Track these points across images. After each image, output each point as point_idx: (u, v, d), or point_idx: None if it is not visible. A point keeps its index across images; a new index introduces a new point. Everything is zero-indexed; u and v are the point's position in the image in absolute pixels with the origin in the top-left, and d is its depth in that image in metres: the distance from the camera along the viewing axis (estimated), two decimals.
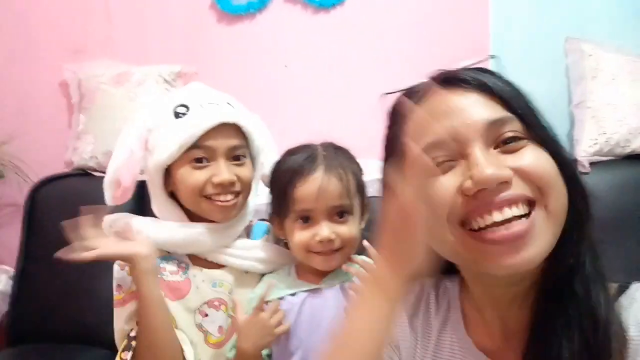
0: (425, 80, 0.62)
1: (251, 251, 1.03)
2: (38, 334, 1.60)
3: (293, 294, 0.95)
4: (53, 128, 1.84)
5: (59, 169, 1.77)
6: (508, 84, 0.59)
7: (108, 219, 1.06)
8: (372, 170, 1.40)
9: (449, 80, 0.59)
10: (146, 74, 1.71)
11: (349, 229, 0.93)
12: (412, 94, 0.61)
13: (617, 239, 1.38)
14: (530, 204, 0.53)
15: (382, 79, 1.75)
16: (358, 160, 0.99)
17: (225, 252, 1.02)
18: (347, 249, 0.94)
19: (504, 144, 0.55)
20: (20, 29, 1.87)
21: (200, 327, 0.99)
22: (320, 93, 1.79)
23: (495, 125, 0.55)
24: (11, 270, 1.69)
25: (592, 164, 1.51)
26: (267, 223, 1.07)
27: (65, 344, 1.54)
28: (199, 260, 1.03)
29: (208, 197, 0.98)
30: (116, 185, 1.02)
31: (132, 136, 1.02)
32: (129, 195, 1.04)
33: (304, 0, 1.77)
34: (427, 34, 1.73)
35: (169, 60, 1.77)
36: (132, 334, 0.96)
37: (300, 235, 0.92)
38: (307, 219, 0.92)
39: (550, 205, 0.53)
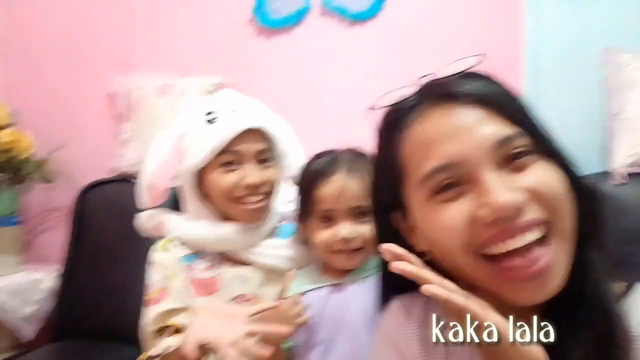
0: (417, 91, 0.59)
1: (278, 250, 1.07)
2: (81, 330, 1.67)
3: (316, 290, 0.97)
4: (100, 136, 1.93)
5: (104, 175, 1.85)
6: (506, 92, 0.57)
7: (145, 214, 1.13)
8: None
9: (447, 94, 0.56)
10: (188, 85, 1.78)
11: (369, 229, 0.94)
12: (405, 109, 0.58)
13: None
14: (546, 228, 0.52)
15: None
16: None
17: (254, 251, 1.06)
18: (368, 249, 0.95)
19: (514, 160, 0.53)
20: (72, 44, 1.98)
21: None
22: (356, 104, 1.80)
23: (502, 144, 0.52)
24: (58, 269, 1.77)
25: (629, 175, 1.48)
26: (294, 224, 1.10)
27: (105, 342, 1.61)
28: (228, 259, 1.07)
29: (238, 200, 1.02)
30: (151, 189, 1.08)
31: (166, 141, 1.08)
32: (162, 199, 1.10)
33: (339, 13, 1.82)
34: (462, 45, 1.73)
35: (210, 72, 1.84)
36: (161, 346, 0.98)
37: (321, 235, 0.95)
38: (328, 219, 0.95)
39: (562, 226, 0.52)
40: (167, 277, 1.04)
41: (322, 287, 0.98)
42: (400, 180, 0.59)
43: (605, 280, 0.55)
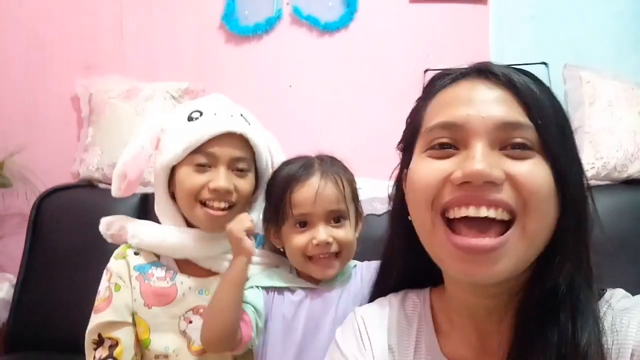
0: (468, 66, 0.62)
1: None
2: (37, 341, 1.61)
3: (291, 291, 0.96)
4: (62, 140, 1.88)
5: (66, 180, 1.80)
6: (542, 91, 0.57)
7: (104, 221, 1.09)
8: (372, 189, 1.43)
9: (483, 71, 0.58)
10: (154, 90, 1.75)
11: (346, 233, 0.94)
12: (448, 75, 0.62)
13: (614, 263, 1.38)
14: (511, 216, 0.53)
15: (384, 101, 1.80)
16: (358, 178, 1.02)
17: (218, 259, 1.03)
18: (345, 254, 0.95)
19: (511, 148, 0.54)
20: (35, 44, 1.92)
21: (184, 333, 0.99)
22: (324, 113, 1.83)
23: (507, 127, 0.54)
24: (14, 278, 1.70)
25: (592, 187, 1.52)
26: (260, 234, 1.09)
27: (62, 353, 1.54)
28: (187, 268, 1.03)
29: (202, 203, 0.99)
30: (122, 178, 1.04)
31: (146, 134, 1.04)
32: (132, 190, 1.06)
33: (309, 23, 1.83)
34: (428, 59, 1.76)
35: (177, 78, 1.82)
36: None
37: (297, 240, 0.94)
38: (304, 224, 0.94)
39: (529, 226, 0.52)
40: (114, 286, 1.01)
41: (295, 289, 0.96)
42: (416, 134, 0.62)
43: (587, 309, 0.54)
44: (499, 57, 1.75)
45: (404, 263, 0.71)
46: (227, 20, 1.84)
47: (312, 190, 0.92)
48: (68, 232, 1.64)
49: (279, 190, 0.96)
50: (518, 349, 0.54)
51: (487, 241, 0.52)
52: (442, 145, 0.56)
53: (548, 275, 0.54)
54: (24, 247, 1.68)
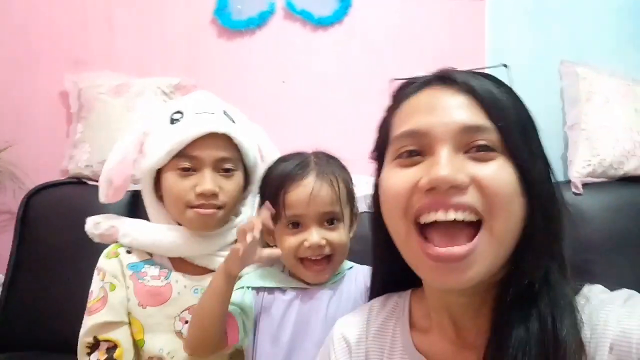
0: (429, 73, 0.63)
1: None
2: (26, 341, 1.58)
3: (282, 291, 0.95)
4: (51, 136, 1.84)
5: (55, 177, 1.76)
6: (503, 93, 0.59)
7: (91, 220, 1.07)
8: (368, 186, 1.41)
9: (445, 78, 0.60)
10: (145, 85, 1.72)
11: (339, 235, 0.92)
12: (412, 84, 0.63)
13: (610, 260, 1.39)
14: (478, 217, 0.54)
15: (379, 96, 1.77)
16: (353, 175, 1.00)
17: (213, 256, 1.02)
18: (337, 257, 0.94)
19: (475, 151, 0.56)
20: (22, 38, 1.88)
21: (180, 334, 0.98)
22: (317, 109, 1.81)
23: (470, 130, 0.56)
24: (2, 277, 1.67)
25: (585, 185, 1.51)
26: None
27: (51, 353, 1.52)
28: (182, 266, 1.02)
29: (190, 207, 0.97)
30: (108, 184, 1.03)
31: (129, 138, 1.03)
32: (120, 195, 1.05)
33: (303, 17, 1.80)
34: (424, 54, 1.75)
35: (168, 73, 1.79)
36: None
37: (289, 241, 0.92)
38: (297, 225, 0.92)
39: (496, 227, 0.54)
40: (109, 285, 0.99)
41: (287, 288, 0.95)
42: (385, 142, 0.64)
43: (565, 301, 0.55)
44: (495, 52, 1.74)
45: (387, 267, 0.72)
46: (220, 15, 1.81)
47: (307, 192, 0.90)
48: (57, 230, 1.61)
49: (272, 189, 0.94)
50: (496, 341, 0.56)
51: (457, 250, 0.53)
52: (410, 153, 0.58)
53: (523, 271, 0.56)
54: (12, 245, 1.65)
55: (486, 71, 0.63)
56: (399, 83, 0.67)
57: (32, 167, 1.80)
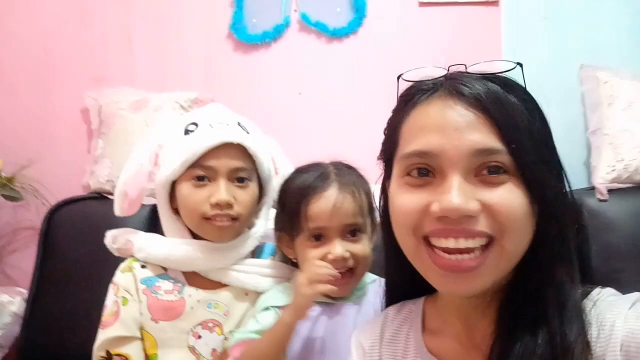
0: (440, 74, 0.61)
1: (255, 268, 1.02)
2: (49, 356, 1.59)
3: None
4: (72, 153, 1.87)
5: (77, 192, 1.79)
6: (517, 101, 0.57)
7: (110, 234, 1.08)
8: None
9: (456, 90, 0.58)
10: (163, 100, 1.74)
11: (363, 247, 0.91)
12: (422, 90, 0.61)
13: (636, 267, 1.36)
14: (489, 240, 0.55)
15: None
16: (373, 186, 0.98)
17: (227, 270, 1.01)
18: (361, 269, 0.92)
19: (487, 173, 0.55)
20: (43, 57, 1.92)
21: (193, 349, 0.97)
22: (334, 120, 1.81)
23: (482, 153, 0.55)
24: (26, 292, 1.69)
25: (610, 191, 1.48)
26: (274, 244, 1.06)
27: None
28: (195, 280, 1.01)
29: (206, 219, 0.97)
30: (124, 197, 1.03)
31: (144, 151, 1.03)
32: (135, 208, 1.05)
33: (318, 29, 1.81)
34: (440, 62, 1.74)
35: (186, 88, 1.81)
36: None
37: (312, 254, 0.90)
38: (319, 237, 0.90)
39: (507, 246, 0.55)
40: (122, 300, 0.99)
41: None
42: (394, 150, 0.63)
43: (574, 306, 0.55)
44: (512, 59, 1.71)
45: (399, 276, 0.73)
46: (235, 29, 1.83)
47: (329, 204, 0.88)
48: (79, 245, 1.63)
49: (293, 201, 0.93)
50: (501, 344, 0.56)
51: (467, 261, 0.54)
52: (419, 171, 0.58)
53: (531, 275, 0.57)
54: (35, 261, 1.68)
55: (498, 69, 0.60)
56: (407, 84, 0.65)
57: (54, 183, 1.82)
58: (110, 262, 1.54)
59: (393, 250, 0.68)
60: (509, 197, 0.54)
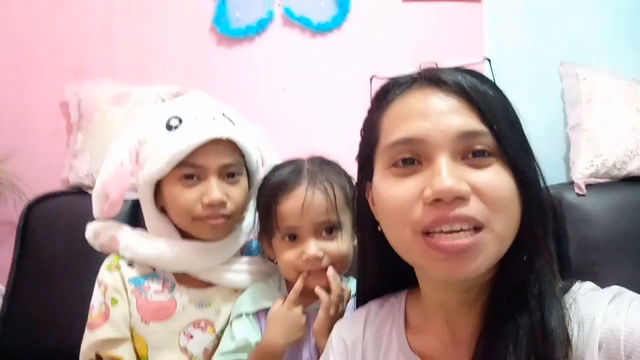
0: (414, 71, 0.62)
1: (244, 266, 0.99)
2: (26, 352, 1.56)
3: None
4: (51, 147, 1.84)
5: (56, 187, 1.75)
6: (492, 91, 0.59)
7: (92, 228, 1.02)
8: None
9: (434, 79, 0.59)
10: (145, 94, 1.71)
11: (338, 245, 0.88)
12: (398, 84, 0.62)
13: (614, 261, 1.38)
14: (481, 223, 0.55)
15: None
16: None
17: (217, 270, 0.98)
18: (338, 267, 0.89)
19: (472, 157, 0.56)
20: (22, 49, 1.88)
21: (184, 350, 0.95)
22: (317, 115, 1.80)
23: (467, 136, 0.55)
24: (3, 288, 1.66)
25: (588, 186, 1.50)
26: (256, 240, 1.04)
27: None
28: (185, 279, 0.98)
29: (199, 218, 0.93)
30: (104, 198, 0.98)
31: (123, 148, 0.98)
32: (116, 209, 1.00)
33: (302, 24, 1.80)
34: (423, 59, 1.74)
35: (168, 82, 1.78)
36: None
37: (287, 255, 0.88)
38: (293, 237, 0.88)
39: (498, 229, 0.55)
40: (111, 300, 0.95)
41: None
42: (374, 147, 0.63)
43: (552, 294, 0.56)
44: (494, 55, 1.72)
45: (378, 269, 0.72)
46: (218, 23, 1.81)
47: (299, 202, 0.86)
48: (58, 240, 1.60)
49: (265, 201, 0.91)
50: (487, 336, 0.57)
51: (463, 239, 0.54)
52: (405, 161, 0.57)
53: (514, 269, 0.57)
54: (12, 256, 1.64)
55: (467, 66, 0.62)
56: (382, 82, 0.65)
57: (32, 177, 1.78)
58: (90, 258, 1.51)
59: (371, 244, 0.68)
60: (497, 178, 0.55)
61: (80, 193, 1.69)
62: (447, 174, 0.53)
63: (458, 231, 0.54)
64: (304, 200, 0.86)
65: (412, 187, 0.56)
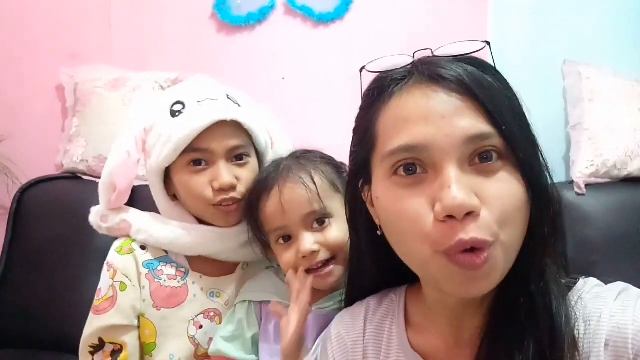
0: (408, 61, 0.57)
1: None
2: (18, 339, 1.55)
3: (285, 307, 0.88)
4: (46, 130, 1.82)
5: (50, 171, 1.74)
6: (495, 82, 0.55)
7: (97, 211, 0.99)
8: None
9: (433, 74, 0.54)
10: (142, 80, 1.70)
11: (335, 233, 0.84)
12: (394, 79, 0.57)
13: (613, 261, 1.38)
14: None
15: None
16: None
17: (236, 250, 0.96)
18: (341, 255, 0.84)
19: (480, 161, 0.52)
20: (18, 31, 1.86)
21: (193, 339, 0.93)
22: (318, 106, 1.78)
23: (474, 140, 0.52)
24: None
25: (588, 186, 1.50)
26: None
27: (45, 350, 1.50)
28: (199, 265, 0.97)
29: (212, 205, 0.92)
30: (111, 189, 0.96)
31: (129, 137, 0.96)
32: (124, 199, 0.98)
33: (304, 13, 1.78)
34: (425, 52, 1.73)
35: (167, 68, 1.76)
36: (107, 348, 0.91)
37: (285, 257, 0.85)
38: (287, 237, 0.85)
39: (505, 239, 0.52)
40: (119, 285, 0.93)
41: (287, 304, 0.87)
42: (371, 150, 0.59)
43: (559, 294, 0.55)
44: (497, 51, 1.71)
45: (375, 267, 0.69)
46: (219, 9, 1.78)
47: (277, 201, 0.83)
48: (51, 225, 1.59)
49: (249, 210, 0.89)
50: (492, 339, 0.55)
51: (476, 257, 0.51)
52: (408, 169, 0.53)
53: (523, 270, 0.54)
54: (4, 241, 1.62)
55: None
56: (375, 76, 0.60)
57: (26, 161, 1.77)
58: (83, 244, 1.51)
59: (367, 251, 0.66)
60: (506, 188, 0.52)
61: (75, 178, 1.68)
62: (457, 187, 0.49)
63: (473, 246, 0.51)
64: (280, 196, 0.83)
65: (421, 201, 0.52)
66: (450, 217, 0.50)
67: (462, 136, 0.51)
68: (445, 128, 0.52)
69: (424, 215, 0.52)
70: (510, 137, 0.52)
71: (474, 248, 0.50)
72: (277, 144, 1.02)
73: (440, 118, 0.52)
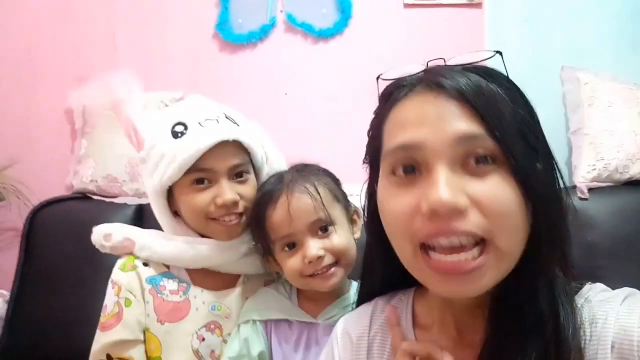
0: (419, 71, 0.60)
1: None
2: (31, 357, 1.57)
3: (289, 323, 0.92)
4: (56, 153, 1.86)
5: (60, 192, 1.77)
6: (500, 89, 0.56)
7: (100, 231, 1.02)
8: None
9: (435, 83, 0.56)
10: (148, 100, 1.72)
11: (337, 241, 0.89)
12: (401, 86, 0.60)
13: (618, 265, 1.38)
14: (482, 241, 0.52)
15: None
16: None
17: (238, 262, 0.99)
18: (344, 260, 0.90)
19: (473, 163, 0.53)
20: (26, 56, 1.91)
21: (197, 352, 0.95)
22: (320, 121, 1.81)
23: (466, 140, 0.52)
24: (8, 294, 1.67)
25: (590, 190, 1.51)
26: None
27: None
28: (200, 280, 0.99)
29: (213, 219, 0.95)
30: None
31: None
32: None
33: (304, 30, 1.81)
34: (424, 64, 1.75)
35: (171, 88, 1.80)
36: None
37: (290, 263, 0.89)
38: (292, 245, 0.89)
39: (502, 245, 0.52)
40: (124, 300, 0.95)
41: (293, 322, 0.92)
42: (378, 153, 0.62)
43: (565, 300, 0.55)
44: (495, 60, 1.73)
45: (384, 268, 0.71)
46: (221, 29, 1.82)
47: (285, 209, 0.87)
48: (62, 245, 1.61)
49: (255, 220, 0.93)
50: (492, 342, 0.55)
51: (466, 262, 0.51)
52: (405, 169, 0.55)
53: (526, 274, 0.55)
54: (17, 262, 1.65)
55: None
56: (387, 83, 0.63)
57: (37, 183, 1.80)
58: (94, 263, 1.52)
59: (378, 255, 0.68)
60: (498, 190, 0.52)
61: (85, 198, 1.71)
62: (443, 185, 0.50)
63: (459, 247, 0.52)
64: (288, 205, 0.87)
65: (410, 199, 0.54)
66: (436, 215, 0.51)
67: (452, 135, 0.53)
68: (438, 129, 0.53)
69: (410, 213, 0.54)
70: (503, 141, 0.52)
71: (461, 246, 0.51)
72: (270, 158, 1.05)
73: (434, 119, 0.54)
